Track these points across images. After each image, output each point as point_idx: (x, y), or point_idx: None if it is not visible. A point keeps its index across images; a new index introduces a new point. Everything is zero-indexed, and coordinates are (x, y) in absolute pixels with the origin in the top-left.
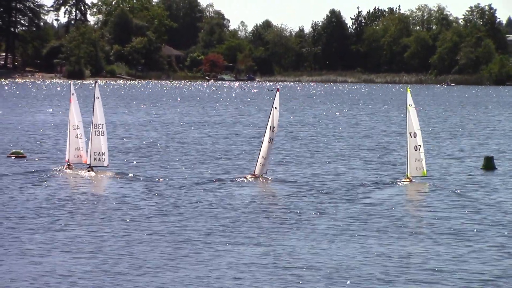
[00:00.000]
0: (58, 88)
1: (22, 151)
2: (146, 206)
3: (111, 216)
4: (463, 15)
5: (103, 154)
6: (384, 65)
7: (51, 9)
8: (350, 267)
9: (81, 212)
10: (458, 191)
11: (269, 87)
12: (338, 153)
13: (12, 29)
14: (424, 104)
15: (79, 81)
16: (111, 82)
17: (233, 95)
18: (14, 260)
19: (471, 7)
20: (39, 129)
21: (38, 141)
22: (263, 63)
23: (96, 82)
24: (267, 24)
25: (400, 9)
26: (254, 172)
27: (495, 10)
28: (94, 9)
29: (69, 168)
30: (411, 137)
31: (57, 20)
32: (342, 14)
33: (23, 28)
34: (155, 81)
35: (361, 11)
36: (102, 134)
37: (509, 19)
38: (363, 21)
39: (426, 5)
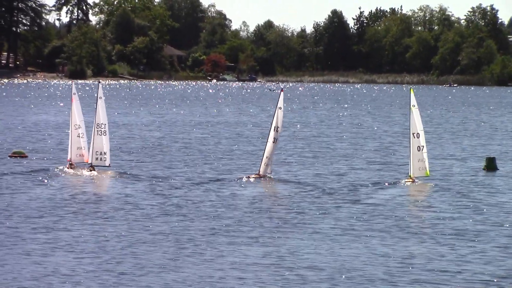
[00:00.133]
0: (60, 88)
1: (23, 151)
2: (149, 206)
3: (114, 216)
4: (465, 15)
5: (105, 153)
6: (386, 66)
7: (53, 8)
8: (353, 267)
9: (84, 212)
10: (461, 191)
11: (270, 87)
12: (341, 153)
13: (14, 28)
14: (426, 104)
15: (81, 81)
16: (112, 82)
17: (237, 95)
18: (17, 259)
19: (473, 8)
20: (41, 129)
21: (40, 140)
22: (265, 63)
23: (99, 82)
24: (269, 24)
25: (402, 10)
26: (259, 172)
27: (497, 10)
28: (96, 9)
29: (71, 168)
30: (414, 137)
31: (59, 19)
32: (344, 14)
33: (25, 27)
34: (158, 81)
35: (363, 11)
36: (104, 134)
37: (511, 19)
38: (365, 21)
39: (428, 5)
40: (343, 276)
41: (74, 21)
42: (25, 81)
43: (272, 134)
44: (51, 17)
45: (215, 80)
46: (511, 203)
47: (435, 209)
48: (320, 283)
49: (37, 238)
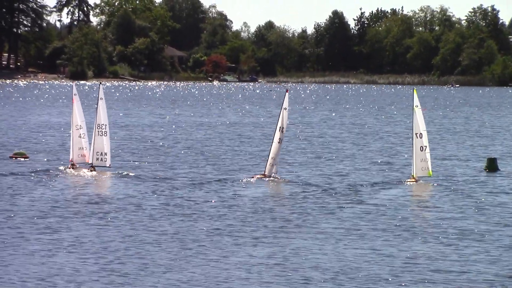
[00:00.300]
0: (61, 89)
1: (24, 152)
2: (153, 207)
3: (118, 217)
4: (466, 16)
5: (105, 154)
6: (386, 66)
7: (54, 9)
8: (357, 267)
9: (88, 212)
10: (463, 191)
11: (270, 88)
12: (344, 154)
13: (14, 29)
14: (428, 104)
15: (82, 82)
16: (115, 83)
17: (240, 96)
18: (22, 260)
19: (474, 8)
20: (42, 129)
21: (41, 141)
22: (266, 64)
23: (100, 83)
24: (269, 25)
25: (402, 10)
26: (264, 172)
27: (498, 11)
28: (97, 10)
29: (73, 168)
30: (417, 137)
31: (59, 21)
32: (344, 15)
33: (26, 28)
34: (162, 82)
35: (364, 12)
36: (105, 135)
37: None
38: (365, 22)
39: (428, 6)
40: (347, 276)
41: (75, 22)
42: (26, 82)
43: (277, 134)
44: (52, 18)
45: (217, 82)
46: None
47: (438, 209)
48: (324, 283)
49: (41, 239)
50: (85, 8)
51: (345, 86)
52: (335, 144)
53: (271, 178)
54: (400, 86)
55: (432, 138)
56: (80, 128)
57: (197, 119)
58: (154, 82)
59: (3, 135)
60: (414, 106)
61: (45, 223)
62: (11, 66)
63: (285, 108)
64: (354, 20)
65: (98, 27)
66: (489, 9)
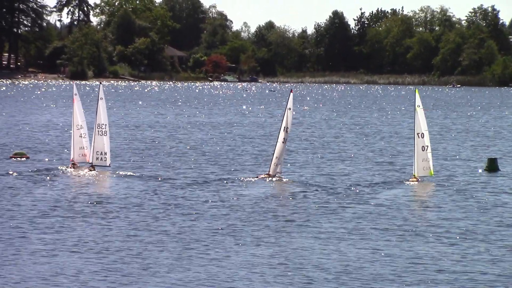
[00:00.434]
0: (61, 90)
1: (24, 152)
2: (154, 206)
3: (120, 216)
4: (466, 16)
5: (105, 153)
6: (387, 66)
7: (54, 9)
8: (359, 267)
9: (89, 212)
10: (465, 191)
11: (270, 88)
12: (345, 153)
13: (15, 29)
14: (431, 105)
15: (82, 82)
16: (118, 83)
17: (244, 95)
18: (24, 260)
19: (474, 8)
20: (42, 129)
21: (41, 141)
22: (266, 64)
23: (100, 83)
24: (270, 25)
25: (403, 10)
26: (269, 172)
27: (498, 11)
28: (97, 10)
29: (73, 167)
30: (419, 137)
31: (60, 20)
32: (345, 15)
33: (26, 28)
34: (159, 82)
35: (364, 12)
36: (105, 134)
37: None
38: (366, 22)
39: (429, 6)
40: (350, 276)
41: (75, 22)
42: (26, 82)
43: (281, 134)
44: (52, 18)
45: (216, 82)
46: None
47: (440, 209)
48: (327, 283)
49: (43, 239)
50: (85, 8)
51: (345, 86)
52: (337, 144)
53: (275, 178)
54: (400, 86)
55: (433, 138)
56: (81, 127)
57: (198, 119)
58: (154, 82)
59: (4, 135)
60: (416, 106)
61: (47, 222)
62: (11, 66)
63: (290, 108)
64: (354, 20)
65: (98, 27)
66: (489, 9)
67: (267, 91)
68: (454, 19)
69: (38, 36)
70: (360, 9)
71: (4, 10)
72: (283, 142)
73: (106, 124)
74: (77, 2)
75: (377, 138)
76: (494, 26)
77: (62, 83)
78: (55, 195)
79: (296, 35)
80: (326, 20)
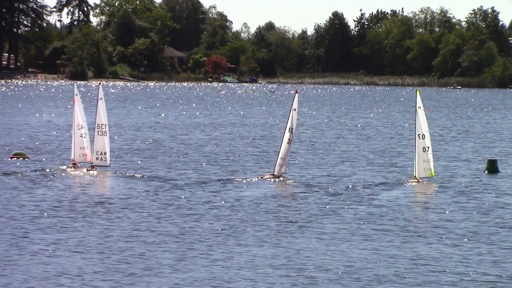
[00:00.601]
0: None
1: (24, 152)
2: (156, 207)
3: (122, 217)
4: (466, 17)
5: (105, 154)
6: (386, 68)
7: (54, 10)
8: (361, 268)
9: (91, 212)
10: (466, 192)
11: (270, 89)
12: (346, 154)
13: (15, 29)
14: (431, 105)
15: (82, 82)
16: (113, 83)
17: (248, 96)
18: (27, 260)
19: (474, 10)
20: (42, 130)
21: (42, 141)
22: (266, 64)
23: (100, 83)
24: (270, 26)
25: (403, 12)
26: (274, 172)
27: (498, 12)
28: (97, 10)
29: (74, 167)
30: (420, 138)
31: (60, 21)
32: (345, 16)
33: (26, 29)
34: (159, 83)
35: (364, 13)
36: (105, 134)
37: None
38: (365, 23)
39: (429, 7)
40: (352, 277)
41: (75, 23)
42: (25, 82)
43: (286, 135)
44: (52, 18)
45: (215, 82)
46: None
47: (442, 210)
48: (329, 283)
49: (45, 239)
50: (85, 8)
51: (345, 87)
52: (338, 145)
53: (279, 179)
54: (399, 88)
55: (434, 139)
56: (81, 127)
57: (198, 119)
58: (154, 83)
59: (4, 136)
60: (417, 107)
61: (49, 223)
62: (11, 66)
63: (295, 109)
64: (354, 21)
65: (98, 27)
66: (489, 10)
67: (268, 94)
68: (454, 20)
69: (38, 36)
70: (360, 10)
71: (4, 10)
72: (288, 143)
73: (106, 124)
74: (77, 2)
75: (378, 139)
76: (494, 27)
77: (62, 83)
78: (57, 195)
79: (296, 36)
80: (326, 21)
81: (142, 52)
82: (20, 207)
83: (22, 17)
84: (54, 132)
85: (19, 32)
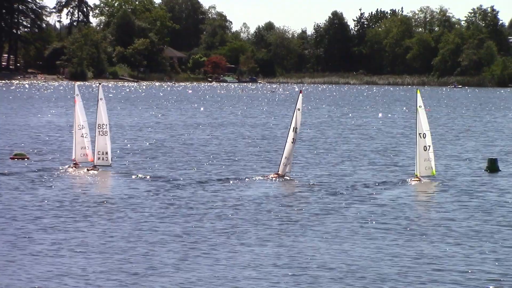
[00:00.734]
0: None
1: (24, 153)
2: (158, 206)
3: (124, 217)
4: (466, 16)
5: (106, 153)
6: (386, 67)
7: (54, 10)
8: (363, 267)
9: (93, 212)
10: (467, 191)
11: (270, 89)
12: (347, 153)
13: (14, 30)
14: (432, 105)
15: (82, 83)
16: (113, 83)
17: (248, 96)
18: (29, 260)
19: (473, 9)
20: (43, 130)
21: (42, 141)
22: (265, 64)
23: (99, 84)
24: (269, 26)
25: (402, 11)
26: (278, 171)
27: (498, 11)
28: (97, 11)
29: (75, 167)
30: (421, 137)
31: (59, 21)
32: (344, 16)
33: (26, 29)
34: (159, 83)
35: (363, 13)
36: (106, 134)
37: (511, 21)
38: (365, 23)
39: (428, 7)
40: (354, 276)
41: (75, 23)
42: (25, 83)
43: (291, 134)
44: (52, 19)
45: (214, 82)
46: None
47: (443, 208)
48: (332, 282)
49: (47, 239)
50: (84, 9)
51: (345, 87)
52: (339, 144)
53: (282, 178)
54: (399, 87)
55: (435, 138)
56: (82, 127)
57: (198, 119)
58: (153, 83)
59: (4, 136)
60: (418, 107)
61: (51, 223)
62: (10, 67)
63: (299, 109)
64: (354, 20)
65: (98, 28)
66: (489, 9)
67: (268, 94)
68: (453, 19)
69: (37, 37)
70: (360, 9)
71: (4, 11)
72: (292, 142)
73: (106, 124)
74: (76, 3)
75: (379, 138)
76: (493, 26)
77: (62, 84)
78: (58, 195)
79: (296, 35)
80: (326, 20)
81: (141, 53)
82: (21, 208)
83: (22, 18)
84: (54, 133)
85: (19, 33)
